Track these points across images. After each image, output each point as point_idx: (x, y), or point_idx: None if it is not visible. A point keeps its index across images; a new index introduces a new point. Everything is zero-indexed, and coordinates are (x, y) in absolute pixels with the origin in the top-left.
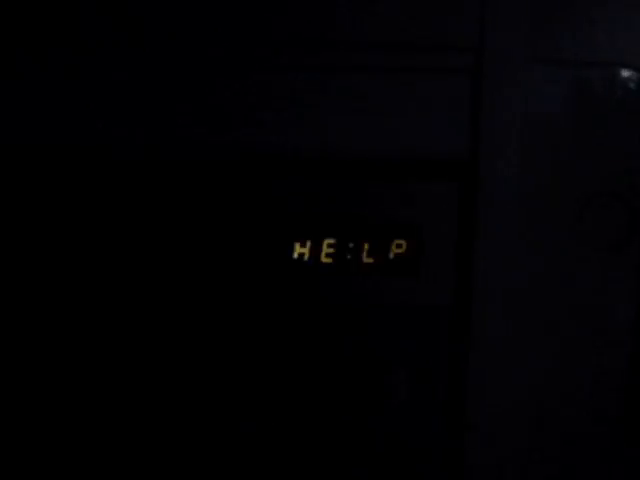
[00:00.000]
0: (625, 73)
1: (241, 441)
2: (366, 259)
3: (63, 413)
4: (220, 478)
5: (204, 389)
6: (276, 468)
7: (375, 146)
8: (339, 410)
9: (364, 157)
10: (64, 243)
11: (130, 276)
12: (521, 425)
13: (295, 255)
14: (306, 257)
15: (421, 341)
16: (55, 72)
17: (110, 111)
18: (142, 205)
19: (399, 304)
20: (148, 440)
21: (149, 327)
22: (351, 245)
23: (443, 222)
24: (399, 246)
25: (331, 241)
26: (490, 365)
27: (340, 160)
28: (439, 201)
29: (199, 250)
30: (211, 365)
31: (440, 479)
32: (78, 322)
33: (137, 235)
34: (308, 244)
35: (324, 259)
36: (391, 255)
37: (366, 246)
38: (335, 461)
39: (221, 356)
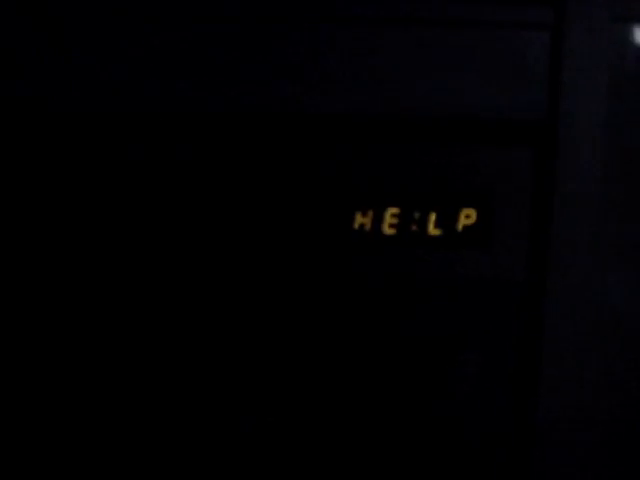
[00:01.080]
0: None
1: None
2: (432, 230)
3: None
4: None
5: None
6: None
7: (445, 105)
8: (402, 391)
9: (433, 117)
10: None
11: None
12: (593, 406)
13: (356, 226)
14: (367, 228)
15: (491, 318)
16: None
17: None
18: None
19: (468, 279)
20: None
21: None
22: (416, 215)
23: (517, 190)
24: (468, 216)
25: (395, 211)
26: (564, 343)
27: (407, 121)
28: (513, 167)
29: (252, 219)
30: (270, 339)
31: (507, 464)
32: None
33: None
34: (370, 214)
35: (387, 230)
36: (459, 226)
37: (433, 216)
38: (400, 439)
39: (276, 332)
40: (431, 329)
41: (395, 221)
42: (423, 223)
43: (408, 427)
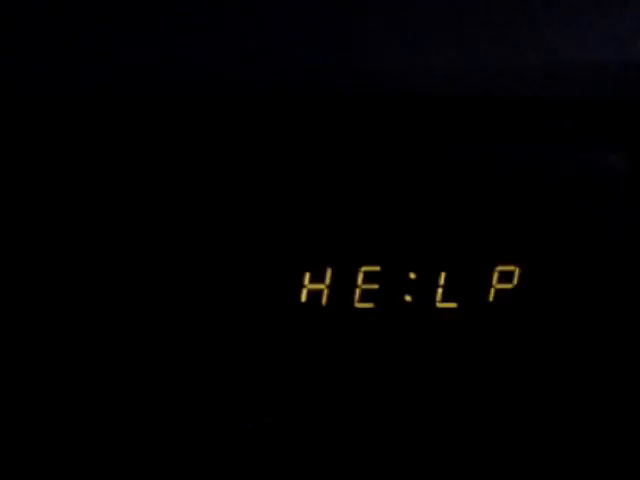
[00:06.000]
0: None
1: None
2: (441, 303)
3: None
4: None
5: None
6: None
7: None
8: None
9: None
10: None
11: None
12: None
13: (303, 297)
14: (324, 300)
15: None
16: None
17: None
18: None
19: None
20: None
21: None
22: (412, 276)
23: (600, 223)
24: (506, 277)
25: (373, 269)
26: None
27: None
28: (596, 179)
29: None
30: None
31: None
32: None
33: None
34: (328, 274)
35: (359, 303)
36: (490, 296)
37: (442, 278)
38: None
39: None
40: None
41: (374, 287)
42: (425, 290)
43: None
